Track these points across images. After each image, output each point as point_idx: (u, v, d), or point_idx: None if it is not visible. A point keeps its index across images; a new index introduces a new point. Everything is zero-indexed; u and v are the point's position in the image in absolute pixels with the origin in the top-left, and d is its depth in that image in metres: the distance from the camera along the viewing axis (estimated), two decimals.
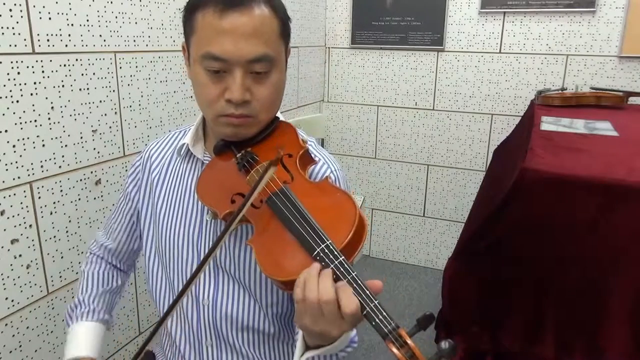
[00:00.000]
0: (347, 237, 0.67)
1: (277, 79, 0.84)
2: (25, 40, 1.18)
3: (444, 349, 0.61)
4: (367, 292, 0.63)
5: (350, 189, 0.84)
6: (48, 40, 1.24)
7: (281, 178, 0.78)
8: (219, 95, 0.81)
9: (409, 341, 0.61)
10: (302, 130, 0.96)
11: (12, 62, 1.16)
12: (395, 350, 0.61)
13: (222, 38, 0.78)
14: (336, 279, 0.65)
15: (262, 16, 0.79)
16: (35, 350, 1.32)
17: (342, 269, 0.65)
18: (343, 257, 0.65)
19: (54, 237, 1.33)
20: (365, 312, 0.63)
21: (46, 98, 1.25)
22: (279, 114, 0.93)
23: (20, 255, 1.24)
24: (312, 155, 0.88)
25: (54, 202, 1.32)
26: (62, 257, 1.36)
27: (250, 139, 0.88)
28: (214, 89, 0.81)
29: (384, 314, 0.62)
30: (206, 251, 0.92)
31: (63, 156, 1.32)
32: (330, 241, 0.66)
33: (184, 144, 0.95)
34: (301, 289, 0.65)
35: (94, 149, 1.41)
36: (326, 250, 0.66)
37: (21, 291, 1.26)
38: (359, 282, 0.64)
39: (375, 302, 0.63)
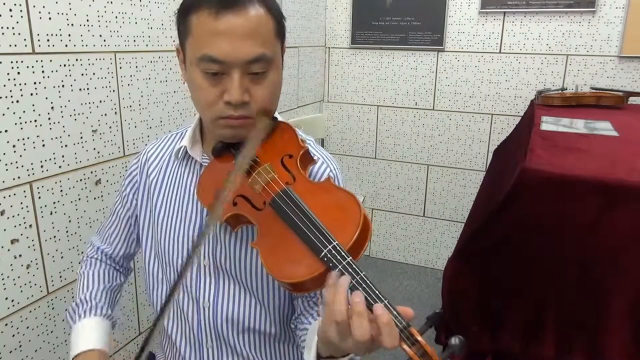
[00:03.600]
0: (354, 237, 0.67)
1: (275, 78, 0.84)
2: (25, 40, 1.18)
3: (454, 345, 0.61)
4: (377, 292, 0.63)
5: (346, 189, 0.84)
6: (48, 40, 1.24)
7: (283, 179, 0.78)
8: (217, 98, 0.81)
9: (420, 339, 0.61)
10: (301, 131, 0.96)
11: (12, 62, 1.16)
12: (407, 348, 0.61)
13: (218, 40, 0.77)
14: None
15: (258, 16, 0.79)
16: (35, 350, 1.32)
17: (350, 270, 0.64)
18: (351, 258, 0.65)
19: (54, 237, 1.33)
20: (375, 311, 0.63)
21: (46, 98, 1.25)
22: (276, 114, 0.92)
23: (20, 255, 1.24)
24: (312, 155, 0.87)
25: (54, 202, 1.31)
26: (62, 257, 1.36)
27: None
28: (212, 92, 0.81)
29: (395, 313, 0.62)
30: (206, 253, 0.92)
31: (63, 156, 1.32)
32: (336, 242, 0.66)
33: (181, 146, 0.94)
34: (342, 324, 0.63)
35: (94, 149, 1.41)
36: (333, 252, 0.65)
37: (21, 291, 1.26)
38: (368, 282, 0.64)
39: (385, 301, 0.63)
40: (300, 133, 0.93)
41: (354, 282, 0.64)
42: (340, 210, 0.72)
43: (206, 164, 0.92)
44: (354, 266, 0.65)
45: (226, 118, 0.82)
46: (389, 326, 0.60)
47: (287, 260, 0.70)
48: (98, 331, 0.97)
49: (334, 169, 0.91)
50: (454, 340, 0.61)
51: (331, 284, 0.64)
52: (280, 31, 0.85)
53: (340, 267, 0.64)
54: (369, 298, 0.63)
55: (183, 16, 0.82)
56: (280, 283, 0.70)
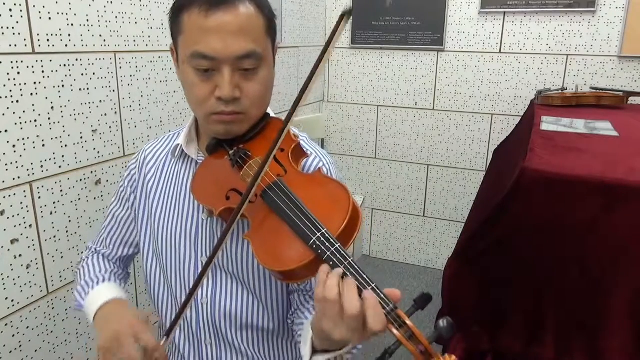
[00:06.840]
0: (342, 225, 0.68)
1: (266, 75, 0.85)
2: (25, 40, 1.18)
3: (442, 327, 0.61)
4: (365, 276, 0.64)
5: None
6: (48, 40, 1.24)
7: (274, 171, 0.79)
8: (209, 94, 0.82)
9: (407, 321, 0.62)
10: (299, 130, 0.96)
11: (12, 62, 1.16)
12: (395, 330, 0.62)
13: (209, 37, 0.79)
14: (333, 266, 0.65)
15: (248, 14, 0.80)
16: (35, 350, 1.32)
17: (338, 256, 0.65)
18: (339, 244, 0.66)
19: (54, 237, 1.33)
20: (363, 295, 0.63)
21: (46, 98, 1.25)
22: (269, 111, 0.93)
23: (20, 255, 1.24)
24: (304, 149, 0.88)
25: (54, 202, 1.32)
26: (62, 257, 1.36)
27: (242, 136, 0.88)
28: (203, 88, 0.82)
29: (382, 296, 0.63)
30: (204, 250, 0.92)
31: (63, 156, 1.32)
32: (325, 229, 0.67)
33: (177, 144, 0.95)
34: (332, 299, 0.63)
35: (94, 149, 1.41)
36: (322, 239, 0.66)
37: (21, 291, 1.26)
38: (356, 267, 0.65)
39: (373, 285, 0.64)
40: (294, 129, 0.93)
41: (342, 267, 0.64)
42: (330, 200, 0.73)
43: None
44: (342, 252, 0.66)
45: (218, 114, 0.83)
46: (375, 309, 0.61)
47: (277, 249, 0.71)
48: (118, 290, 0.96)
49: (327, 163, 0.92)
50: (442, 322, 0.61)
51: (322, 279, 0.64)
52: (271, 29, 0.86)
53: (329, 253, 0.65)
54: (357, 284, 0.64)
55: (175, 15, 0.84)
56: (271, 272, 0.71)
